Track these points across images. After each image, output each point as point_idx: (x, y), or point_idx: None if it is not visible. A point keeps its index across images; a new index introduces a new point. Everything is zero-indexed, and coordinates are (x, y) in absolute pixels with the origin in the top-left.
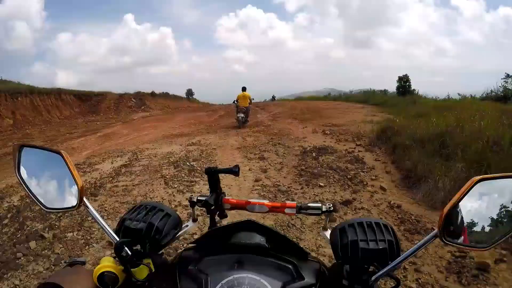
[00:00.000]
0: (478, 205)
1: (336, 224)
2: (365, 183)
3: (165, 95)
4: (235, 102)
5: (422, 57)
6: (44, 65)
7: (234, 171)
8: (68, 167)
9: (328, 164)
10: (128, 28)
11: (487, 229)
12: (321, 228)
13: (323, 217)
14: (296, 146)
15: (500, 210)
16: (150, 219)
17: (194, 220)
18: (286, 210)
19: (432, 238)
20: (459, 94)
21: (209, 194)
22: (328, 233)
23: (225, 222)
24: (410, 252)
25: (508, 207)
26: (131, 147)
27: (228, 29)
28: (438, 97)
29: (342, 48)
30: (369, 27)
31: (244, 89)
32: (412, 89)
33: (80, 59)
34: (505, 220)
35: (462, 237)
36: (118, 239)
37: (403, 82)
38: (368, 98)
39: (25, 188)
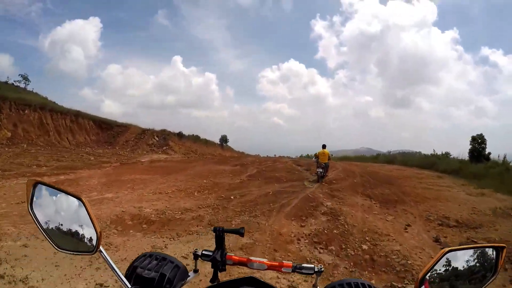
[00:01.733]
0: (448, 270)
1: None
2: None
3: (195, 138)
4: (315, 158)
5: (461, 117)
6: (92, 91)
7: (240, 232)
8: (88, 213)
9: None
10: (176, 69)
11: None
12: (312, 286)
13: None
14: None
15: (466, 274)
16: (162, 270)
17: (196, 271)
18: (283, 269)
19: None
20: None
21: (214, 250)
22: None
23: (223, 274)
24: None
25: (473, 271)
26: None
27: (270, 81)
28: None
29: (381, 107)
30: (408, 86)
31: (324, 146)
32: (487, 152)
33: (126, 91)
34: (471, 282)
35: None
36: (130, 286)
37: (478, 143)
38: (432, 163)
39: (37, 224)
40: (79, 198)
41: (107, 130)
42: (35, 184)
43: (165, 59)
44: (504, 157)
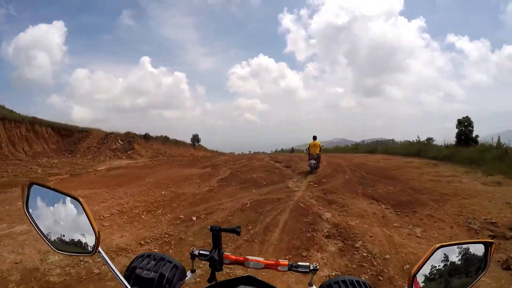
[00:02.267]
0: (440, 266)
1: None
2: None
3: (164, 139)
4: (307, 150)
5: (431, 103)
6: (61, 98)
7: (236, 231)
8: (86, 214)
9: None
10: (145, 70)
11: (448, 285)
12: (307, 284)
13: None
14: None
15: (457, 269)
16: (161, 270)
17: (193, 271)
18: (279, 268)
19: None
20: None
21: (211, 249)
22: None
23: (220, 274)
24: None
25: (463, 267)
26: None
27: (240, 78)
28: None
29: (352, 97)
30: (378, 75)
31: (314, 138)
32: (475, 135)
33: (95, 96)
34: (462, 277)
35: None
36: (129, 287)
37: (464, 126)
38: (418, 150)
39: (34, 226)
40: (76, 199)
41: (68, 137)
42: (30, 184)
43: (133, 60)
44: (498, 139)
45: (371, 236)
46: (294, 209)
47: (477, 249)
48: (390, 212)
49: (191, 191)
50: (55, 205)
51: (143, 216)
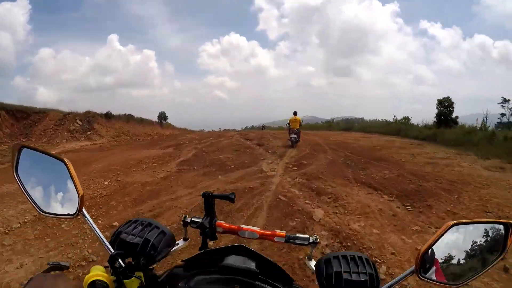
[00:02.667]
0: (452, 246)
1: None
2: None
3: (128, 118)
4: (288, 125)
5: (401, 86)
6: (24, 79)
7: (230, 197)
8: (71, 176)
9: None
10: (112, 49)
11: (460, 267)
12: (306, 258)
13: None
14: None
15: (471, 251)
16: (147, 235)
17: (185, 239)
18: (276, 239)
19: (409, 274)
20: None
21: (203, 216)
22: (312, 263)
23: (212, 243)
24: (388, 285)
25: (478, 249)
26: None
27: (211, 55)
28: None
29: (323, 77)
30: (349, 56)
31: (295, 113)
32: (455, 116)
33: (61, 76)
34: (475, 260)
35: (437, 274)
36: (113, 251)
37: (445, 107)
38: (397, 129)
39: (22, 188)
40: (62, 160)
41: (23, 119)
42: (21, 148)
43: (100, 38)
44: (483, 121)
45: (393, 253)
46: (274, 205)
47: (496, 230)
48: (398, 207)
49: (142, 179)
50: (42, 167)
51: (63, 226)
